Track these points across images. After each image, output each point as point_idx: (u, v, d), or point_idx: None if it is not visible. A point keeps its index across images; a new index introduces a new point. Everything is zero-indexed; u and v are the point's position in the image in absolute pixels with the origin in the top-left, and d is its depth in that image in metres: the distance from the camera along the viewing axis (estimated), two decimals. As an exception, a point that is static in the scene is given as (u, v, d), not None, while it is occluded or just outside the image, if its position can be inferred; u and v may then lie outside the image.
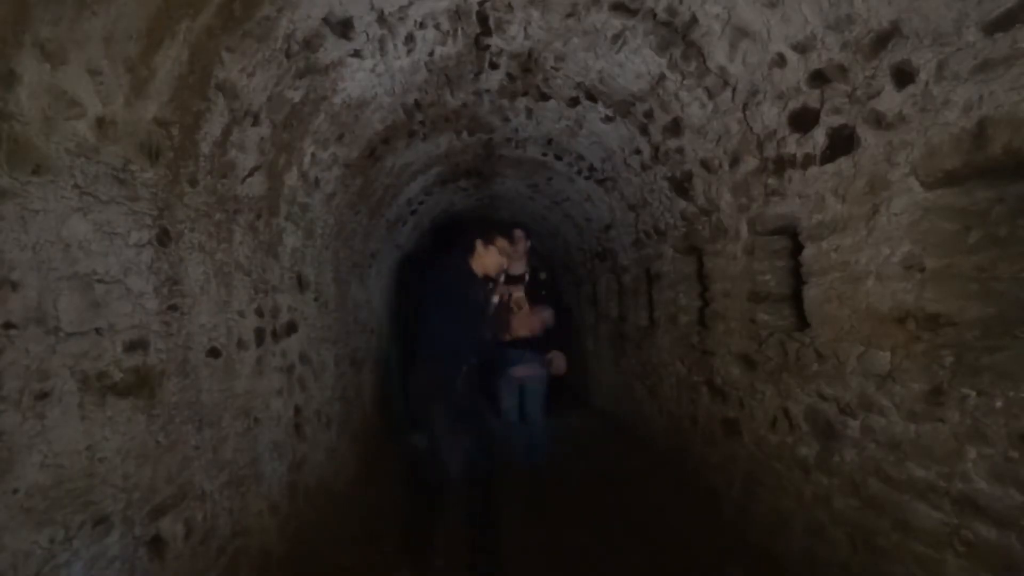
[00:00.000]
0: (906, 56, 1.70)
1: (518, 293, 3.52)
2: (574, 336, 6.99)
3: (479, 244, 2.85)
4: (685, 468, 3.70)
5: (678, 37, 2.49)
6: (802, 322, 2.47)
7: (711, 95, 2.66)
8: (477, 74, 3.20)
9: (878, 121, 1.88)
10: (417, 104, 3.42)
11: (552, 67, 3.10)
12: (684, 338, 3.79)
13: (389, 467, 4.40)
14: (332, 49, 2.47)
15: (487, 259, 2.85)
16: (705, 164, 3.02)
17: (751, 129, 2.54)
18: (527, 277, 3.63)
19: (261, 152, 2.49)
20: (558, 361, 3.51)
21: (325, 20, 2.29)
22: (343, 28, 2.38)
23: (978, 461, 1.61)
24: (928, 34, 1.61)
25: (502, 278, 3.24)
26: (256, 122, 2.35)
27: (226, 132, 2.20)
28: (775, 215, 2.55)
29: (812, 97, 2.14)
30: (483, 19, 2.67)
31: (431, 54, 2.89)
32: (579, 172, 4.58)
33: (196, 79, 1.92)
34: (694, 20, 2.35)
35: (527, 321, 3.18)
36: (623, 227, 4.73)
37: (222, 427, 2.28)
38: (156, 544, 1.82)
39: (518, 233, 3.60)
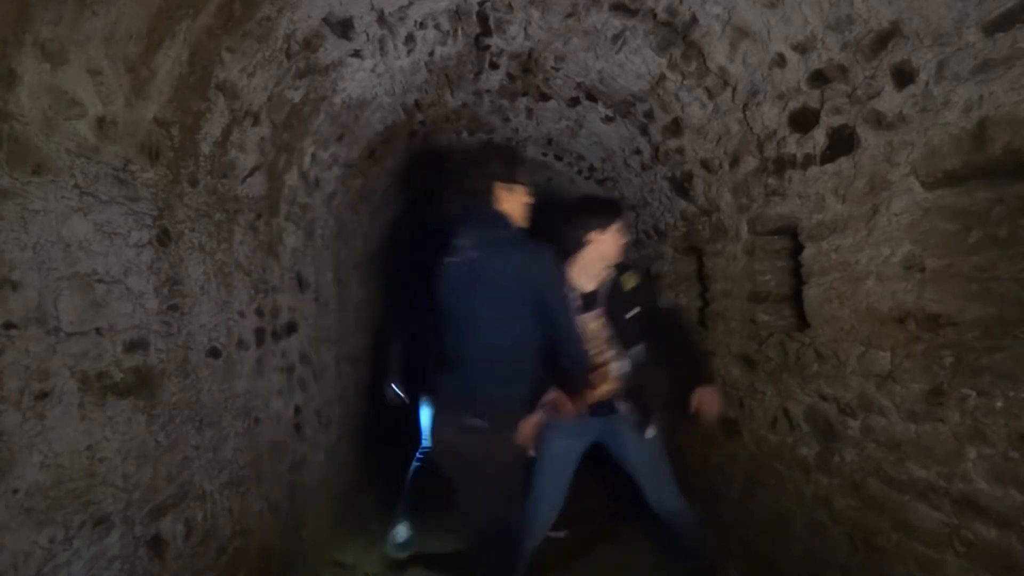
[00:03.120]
0: (906, 56, 1.70)
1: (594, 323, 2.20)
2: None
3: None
4: (685, 468, 3.69)
5: (678, 37, 2.49)
6: (802, 322, 2.46)
7: (711, 95, 2.66)
8: (477, 74, 3.20)
9: (878, 121, 1.88)
10: (417, 104, 3.42)
11: (552, 67, 3.10)
12: (684, 338, 3.78)
13: (390, 468, 4.39)
14: (332, 49, 2.47)
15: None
16: (705, 164, 3.02)
17: (751, 129, 2.54)
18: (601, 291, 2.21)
19: (261, 152, 2.49)
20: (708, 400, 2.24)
21: (325, 20, 2.29)
22: (343, 28, 2.38)
23: (978, 461, 1.61)
24: (928, 34, 1.61)
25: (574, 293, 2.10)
26: (256, 122, 2.35)
27: (226, 132, 2.20)
28: (775, 215, 2.55)
29: (812, 97, 2.14)
30: (483, 19, 2.67)
31: (431, 54, 2.90)
32: (579, 172, 4.58)
33: (196, 79, 1.92)
34: (694, 20, 2.35)
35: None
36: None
37: (222, 427, 2.28)
38: (156, 544, 1.83)
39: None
